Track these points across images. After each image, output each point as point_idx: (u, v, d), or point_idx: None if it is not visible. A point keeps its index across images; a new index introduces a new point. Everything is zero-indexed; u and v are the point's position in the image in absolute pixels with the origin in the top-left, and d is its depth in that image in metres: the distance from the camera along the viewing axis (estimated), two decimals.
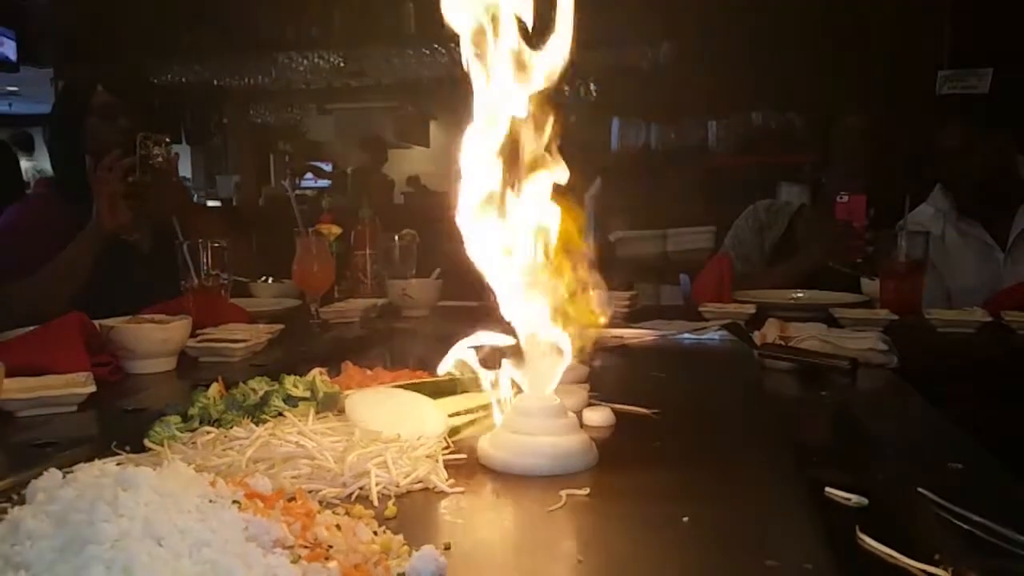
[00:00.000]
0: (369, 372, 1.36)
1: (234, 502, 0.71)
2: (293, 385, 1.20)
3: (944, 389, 1.48)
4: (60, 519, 0.61)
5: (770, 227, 3.09)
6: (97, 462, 0.75)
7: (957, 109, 3.66)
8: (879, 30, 4.35)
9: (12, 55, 7.99)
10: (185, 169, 7.13)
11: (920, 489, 0.88)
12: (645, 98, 5.09)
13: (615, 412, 1.22)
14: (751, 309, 2.16)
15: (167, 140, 2.22)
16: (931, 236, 2.47)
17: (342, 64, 6.25)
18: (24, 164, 9.25)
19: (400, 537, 0.76)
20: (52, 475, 0.70)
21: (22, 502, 0.82)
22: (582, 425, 1.11)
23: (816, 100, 4.55)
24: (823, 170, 3.19)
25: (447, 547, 0.75)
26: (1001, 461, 1.02)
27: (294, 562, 0.65)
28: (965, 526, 0.81)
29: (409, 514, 0.86)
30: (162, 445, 1.02)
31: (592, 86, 5.35)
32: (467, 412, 1.17)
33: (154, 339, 1.54)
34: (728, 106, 5.03)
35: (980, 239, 2.87)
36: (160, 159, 2.16)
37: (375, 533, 0.77)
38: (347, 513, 0.82)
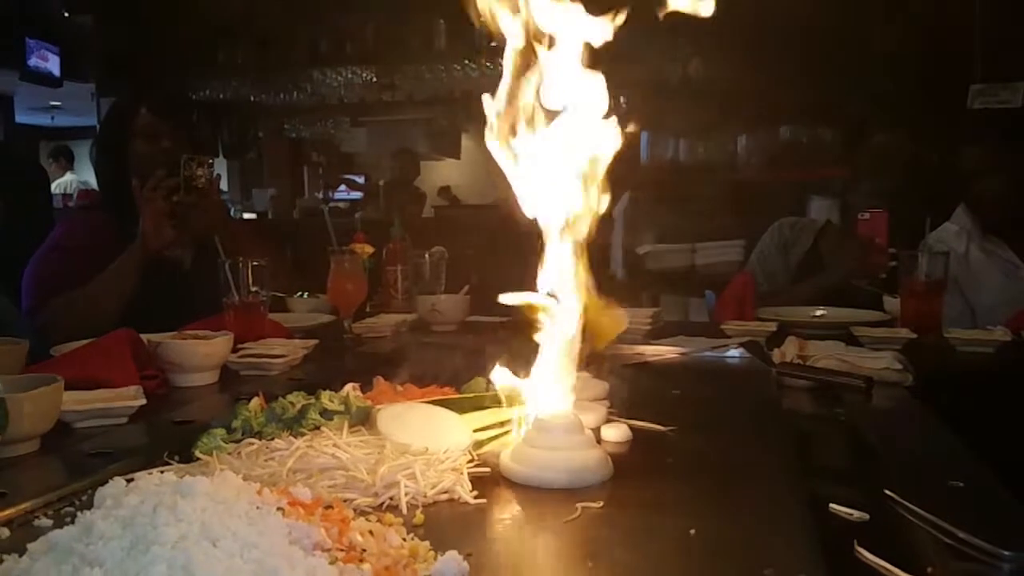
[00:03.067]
0: (399, 388, 1.44)
1: (279, 509, 0.79)
2: (328, 400, 1.28)
3: (961, 408, 1.52)
4: (127, 522, 0.69)
5: (794, 244, 3.13)
6: (156, 472, 0.83)
7: (987, 124, 3.68)
8: (910, 44, 4.37)
9: (56, 70, 8.22)
10: (222, 183, 7.29)
11: (887, 491, 0.93)
12: (674, 112, 5.12)
13: (632, 428, 1.27)
14: (772, 327, 2.19)
15: (210, 161, 2.31)
16: (955, 254, 2.50)
17: (375, 79, 6.36)
18: (67, 177, 9.44)
19: (427, 543, 0.83)
20: (117, 483, 0.78)
21: (83, 507, 0.91)
22: (600, 441, 1.17)
23: (846, 115, 4.58)
24: (851, 186, 3.22)
25: (469, 554, 0.82)
26: (1010, 479, 1.07)
27: (332, 563, 0.72)
28: (933, 531, 0.86)
29: (435, 522, 0.93)
30: (210, 455, 1.10)
31: (621, 100, 5.39)
32: (491, 427, 1.23)
33: (198, 354, 1.62)
34: (757, 120, 5.06)
35: (1004, 257, 2.88)
36: (203, 180, 2.26)
37: (404, 539, 0.85)
38: (379, 520, 0.89)
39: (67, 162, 9.87)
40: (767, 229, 3.29)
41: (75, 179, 9.96)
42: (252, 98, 6.75)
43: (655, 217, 4.86)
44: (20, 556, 0.71)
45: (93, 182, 8.75)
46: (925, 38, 4.25)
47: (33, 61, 7.93)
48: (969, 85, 3.99)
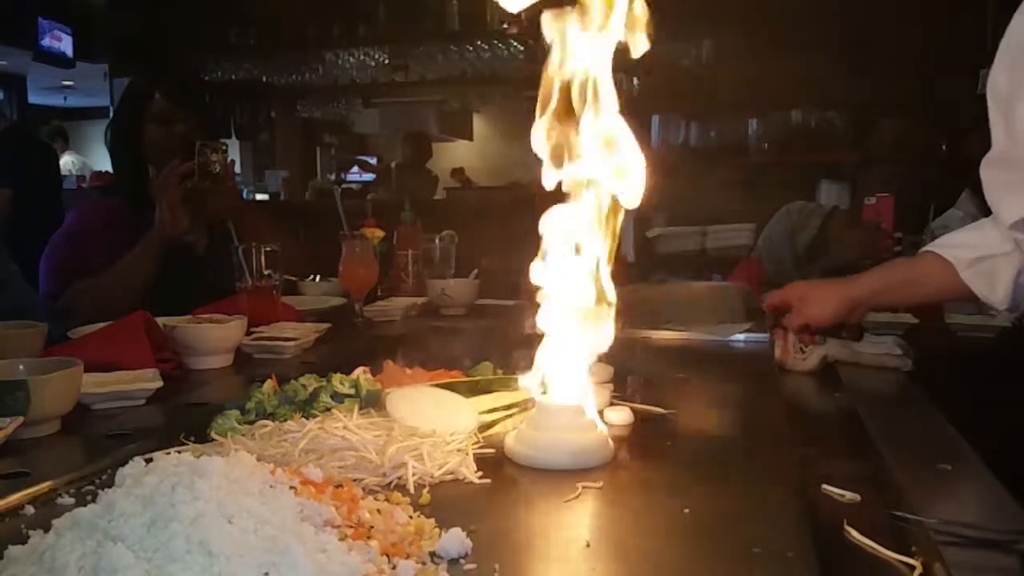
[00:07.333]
0: (408, 371, 1.47)
1: (291, 488, 0.83)
2: (339, 382, 1.32)
3: (960, 393, 1.55)
4: (147, 500, 0.72)
5: (802, 229, 3.15)
6: (173, 452, 0.87)
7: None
8: (922, 28, 4.35)
9: (69, 51, 8.25)
10: (235, 164, 7.30)
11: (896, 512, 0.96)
12: (686, 95, 5.12)
13: (634, 412, 1.30)
14: None
15: (224, 147, 2.33)
16: None
17: (387, 60, 6.37)
18: (66, 157, 9.42)
19: (432, 521, 0.87)
20: (136, 463, 0.81)
21: (104, 485, 0.95)
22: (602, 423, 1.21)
23: (857, 99, 4.57)
24: (860, 171, 3.23)
25: (473, 531, 0.85)
26: (1006, 464, 1.10)
27: (341, 539, 0.76)
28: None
29: (441, 501, 0.97)
30: (225, 436, 1.14)
31: (634, 80, 5.39)
32: (497, 410, 1.27)
33: (213, 337, 1.66)
34: (768, 104, 5.05)
35: None
36: (218, 165, 2.28)
37: (411, 517, 0.89)
38: (387, 499, 0.94)
39: (64, 142, 9.76)
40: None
41: (74, 159, 9.92)
42: (264, 79, 6.77)
43: (665, 200, 4.86)
44: (45, 532, 0.75)
45: (91, 161, 8.70)
46: (936, 21, 4.23)
47: (46, 41, 7.96)
48: (979, 70, 3.97)
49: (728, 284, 1.53)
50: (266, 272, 1.98)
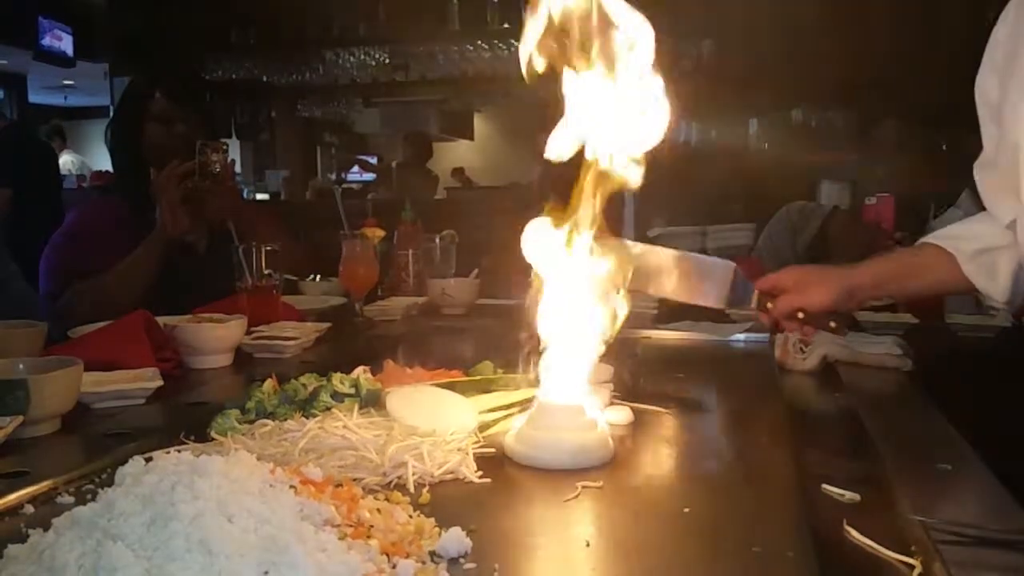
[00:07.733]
0: (408, 371, 1.47)
1: (291, 487, 0.83)
2: (340, 382, 1.32)
3: (959, 392, 1.55)
4: (147, 499, 0.72)
5: (802, 229, 3.15)
6: (174, 451, 0.87)
7: None
8: (922, 28, 4.35)
9: (69, 50, 8.26)
10: (235, 164, 7.30)
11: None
12: (686, 95, 5.11)
13: (634, 411, 1.31)
14: None
15: (225, 147, 2.33)
16: None
17: (387, 59, 6.38)
18: (65, 156, 9.41)
19: (432, 520, 0.87)
20: (136, 462, 0.81)
21: (103, 484, 0.95)
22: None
23: (857, 99, 4.57)
24: (860, 171, 3.23)
25: (473, 530, 0.85)
26: (1005, 463, 1.10)
27: (341, 539, 0.76)
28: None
29: (441, 500, 0.97)
30: (225, 436, 1.15)
31: None
32: (497, 410, 1.27)
33: (213, 337, 1.66)
34: (768, 104, 5.05)
35: None
36: (218, 165, 2.28)
37: (410, 516, 0.89)
38: (387, 499, 0.93)
39: (62, 141, 9.72)
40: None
41: (72, 158, 9.90)
42: (264, 79, 6.78)
43: (666, 200, 4.86)
44: (45, 531, 0.75)
45: (91, 161, 8.71)
46: (936, 21, 4.23)
47: (47, 41, 7.97)
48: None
49: (719, 260, 1.52)
50: (266, 272, 1.98)
